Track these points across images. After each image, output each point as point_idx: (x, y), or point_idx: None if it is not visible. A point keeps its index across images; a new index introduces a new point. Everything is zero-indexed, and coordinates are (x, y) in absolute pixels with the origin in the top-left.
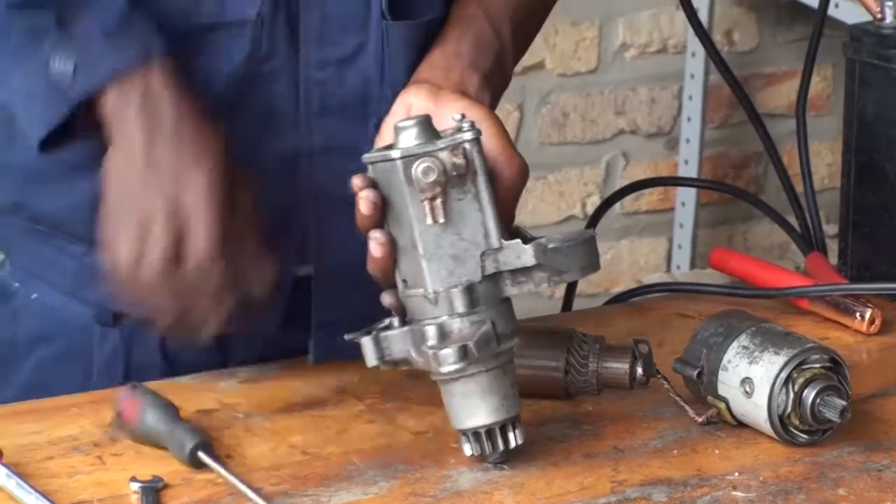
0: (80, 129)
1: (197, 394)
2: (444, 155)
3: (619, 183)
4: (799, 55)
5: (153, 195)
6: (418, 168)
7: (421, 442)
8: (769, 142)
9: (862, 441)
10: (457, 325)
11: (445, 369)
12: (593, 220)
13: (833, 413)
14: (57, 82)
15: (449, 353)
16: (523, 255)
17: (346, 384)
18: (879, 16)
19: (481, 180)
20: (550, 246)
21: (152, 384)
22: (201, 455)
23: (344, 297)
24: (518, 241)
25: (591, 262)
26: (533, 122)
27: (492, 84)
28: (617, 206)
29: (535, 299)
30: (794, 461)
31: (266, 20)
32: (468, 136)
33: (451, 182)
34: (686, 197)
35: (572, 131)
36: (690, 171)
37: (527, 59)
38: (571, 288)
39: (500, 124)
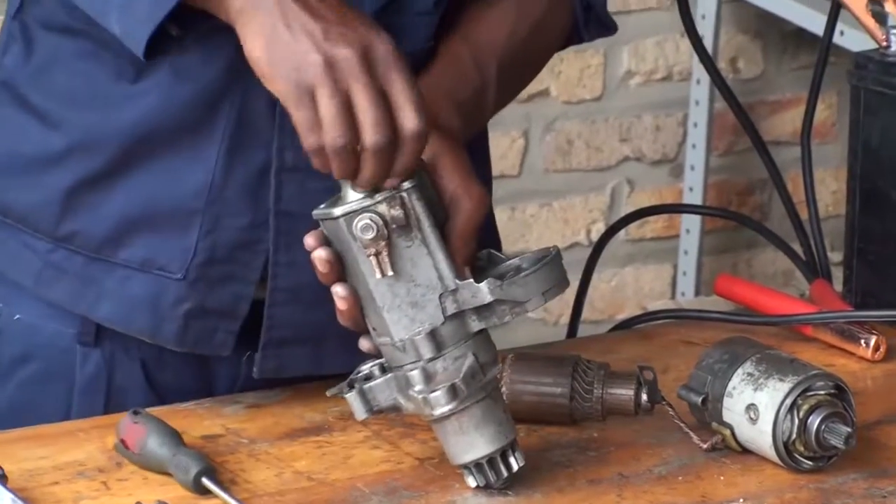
0: (178, 27)
1: (202, 419)
2: (382, 208)
3: (624, 210)
4: (803, 83)
5: (339, 46)
6: (357, 226)
7: (426, 468)
8: (774, 169)
9: (867, 468)
10: (440, 365)
11: (439, 411)
12: (598, 247)
13: (838, 440)
14: None
15: (439, 395)
16: (479, 293)
17: (350, 410)
18: (884, 43)
19: (425, 225)
20: (502, 280)
21: (156, 410)
22: (205, 481)
23: (297, 314)
24: (471, 280)
25: (555, 285)
26: (538, 149)
27: (464, 114)
28: (622, 233)
29: (540, 326)
30: (798, 487)
31: None
32: (406, 185)
33: (396, 232)
34: (691, 224)
35: (577, 158)
36: (695, 198)
37: (532, 87)
38: (576, 314)
39: (460, 155)
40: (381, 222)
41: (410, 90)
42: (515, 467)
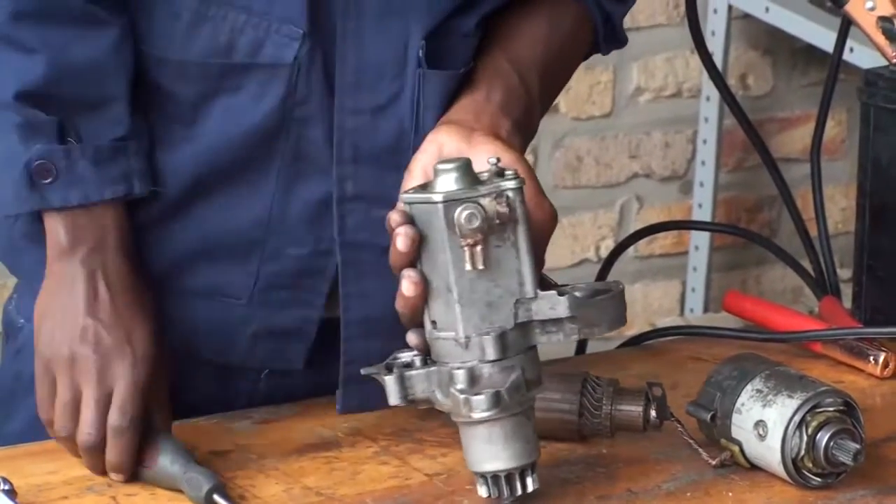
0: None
1: (211, 435)
2: (486, 202)
3: (633, 226)
4: (813, 99)
5: (82, 361)
6: (462, 214)
7: (434, 483)
8: (783, 185)
9: (875, 484)
10: (487, 371)
11: (477, 415)
12: (607, 263)
13: (846, 456)
14: (32, 178)
15: (482, 399)
16: (557, 306)
17: (359, 426)
18: (894, 60)
19: (521, 229)
20: (582, 298)
21: None
22: (217, 497)
23: (373, 347)
24: (553, 292)
25: (621, 316)
26: (547, 165)
27: (521, 131)
28: (631, 249)
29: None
30: None
31: (303, 65)
32: (512, 184)
33: (492, 229)
34: (700, 241)
35: (586, 175)
36: (704, 214)
37: None
38: None
39: (530, 170)
40: (484, 215)
41: (126, 390)
42: (530, 489)
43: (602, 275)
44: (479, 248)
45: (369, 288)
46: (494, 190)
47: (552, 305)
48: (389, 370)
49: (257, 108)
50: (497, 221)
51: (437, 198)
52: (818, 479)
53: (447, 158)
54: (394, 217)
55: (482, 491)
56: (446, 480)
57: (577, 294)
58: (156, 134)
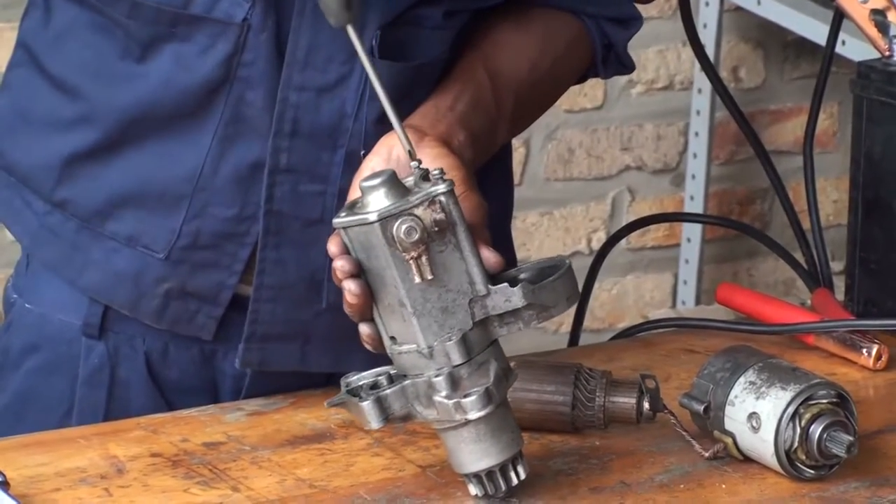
0: None
1: (204, 426)
2: (421, 211)
3: (625, 219)
4: (804, 92)
5: None
6: (401, 229)
7: (427, 475)
8: (776, 177)
9: (868, 476)
10: (465, 371)
11: (473, 416)
12: (599, 256)
13: (840, 448)
14: None
15: (474, 399)
16: (512, 297)
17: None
18: (887, 53)
19: (460, 230)
20: (536, 285)
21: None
22: None
23: (281, 311)
24: (505, 284)
25: (575, 292)
26: (539, 157)
27: (477, 145)
28: (622, 241)
29: (542, 334)
30: (800, 496)
31: (252, 27)
32: (442, 187)
33: (431, 237)
34: (692, 233)
35: (578, 167)
36: (696, 207)
37: None
38: (578, 323)
39: (466, 172)
40: (421, 225)
41: None
42: (522, 476)
43: (594, 267)
44: (423, 258)
45: (287, 256)
46: (426, 197)
47: (507, 298)
48: (356, 395)
49: (204, 60)
50: (436, 229)
51: (372, 217)
52: (811, 472)
53: (371, 174)
54: (331, 249)
55: (476, 490)
56: (439, 472)
57: (524, 276)
58: (106, 65)
